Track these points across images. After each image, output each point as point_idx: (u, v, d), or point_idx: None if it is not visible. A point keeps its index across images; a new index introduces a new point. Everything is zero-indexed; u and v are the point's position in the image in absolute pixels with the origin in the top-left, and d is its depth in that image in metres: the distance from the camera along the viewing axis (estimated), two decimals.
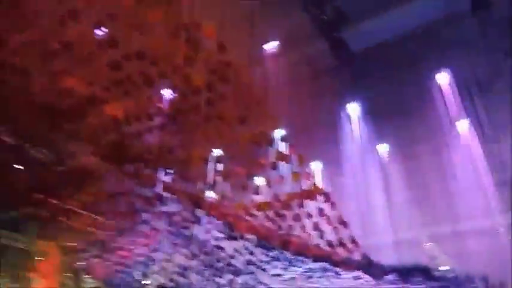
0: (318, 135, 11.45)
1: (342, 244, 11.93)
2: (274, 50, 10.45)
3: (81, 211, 11.33)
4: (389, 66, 12.31)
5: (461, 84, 13.38)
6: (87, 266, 14.99)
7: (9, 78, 7.79)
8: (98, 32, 7.50)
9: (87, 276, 17.01)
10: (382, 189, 13.77)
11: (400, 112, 12.47)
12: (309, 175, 10.29)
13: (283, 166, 9.72)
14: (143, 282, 15.97)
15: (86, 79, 7.91)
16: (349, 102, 13.38)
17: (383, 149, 13.77)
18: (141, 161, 9.53)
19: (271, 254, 13.27)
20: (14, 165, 10.04)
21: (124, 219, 11.71)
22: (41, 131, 8.88)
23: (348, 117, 13.06)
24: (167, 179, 9.75)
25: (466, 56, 12.38)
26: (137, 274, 15.35)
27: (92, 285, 17.47)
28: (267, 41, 10.61)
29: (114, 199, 10.83)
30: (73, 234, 12.43)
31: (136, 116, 8.81)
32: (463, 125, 13.84)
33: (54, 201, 10.96)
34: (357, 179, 13.10)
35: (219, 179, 9.85)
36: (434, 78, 13.52)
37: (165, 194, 10.21)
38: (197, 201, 10.56)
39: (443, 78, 13.70)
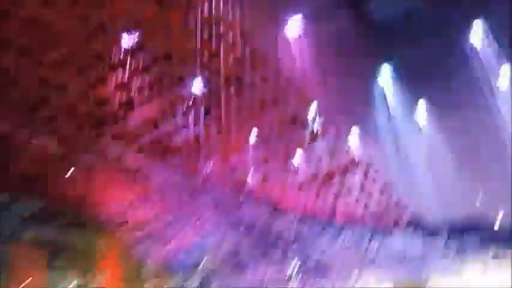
0: (353, 106, 11.24)
1: (389, 209, 11.97)
2: (299, 25, 10.17)
3: (135, 206, 11.97)
4: (419, 26, 11.71)
5: (500, 33, 12.52)
6: (146, 254, 15.90)
7: (51, 94, 8.27)
8: (125, 40, 7.72)
9: (147, 263, 18.08)
10: (425, 150, 13.46)
11: (436, 71, 11.93)
12: (348, 147, 10.28)
13: (320, 142, 9.76)
14: (199, 263, 16.76)
15: (119, 85, 8.25)
16: (381, 68, 12.94)
17: (421, 111, 13.35)
18: (182, 154, 9.92)
19: (319, 226, 13.52)
20: (68, 173, 10.70)
21: (175, 209, 12.26)
22: (87, 139, 9.40)
23: (382, 83, 12.67)
24: (210, 167, 10.08)
25: (504, 2, 11.52)
26: (193, 257, 16.11)
27: (153, 272, 18.59)
28: (291, 17, 10.30)
29: (164, 192, 11.35)
30: (131, 228, 13.18)
31: (172, 113, 9.12)
32: (505, 77, 13.05)
33: (110, 201, 11.65)
34: (397, 143, 12.84)
35: (259, 161, 10.07)
36: (469, 30, 12.69)
37: (210, 182, 10.60)
38: (241, 185, 10.89)
39: (479, 29, 12.84)
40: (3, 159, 9.68)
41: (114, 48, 7.59)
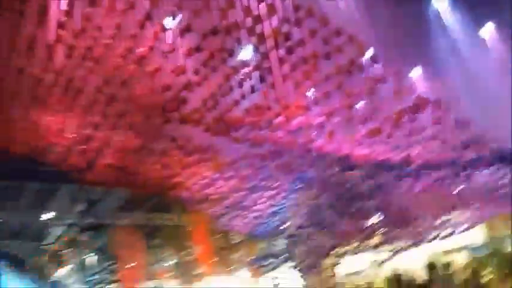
0: (411, 39, 10.42)
1: (468, 145, 11.34)
2: None
3: (213, 182, 12.65)
4: None
5: None
6: (230, 225, 16.81)
7: (117, 91, 8.90)
8: (171, 22, 7.94)
9: (233, 233, 19.14)
10: (497, 74, 12.29)
11: None
12: (412, 87, 9.78)
13: (382, 87, 9.38)
14: (282, 227, 17.36)
15: (176, 70, 8.58)
16: None
17: (486, 32, 12.07)
18: (245, 125, 10.18)
19: (394, 173, 13.23)
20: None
21: (250, 178, 12.75)
22: (157, 127, 10.03)
23: (438, 10, 11.63)
24: (275, 134, 10.25)
25: None
26: (274, 221, 16.73)
27: (238, 240, 19.66)
28: None
29: (236, 164, 11.84)
30: (212, 202, 14.00)
31: (229, 87, 9.32)
32: None
33: (188, 181, 12.44)
34: (465, 71, 11.83)
35: (323, 117, 10.00)
36: None
37: (278, 147, 10.82)
38: (309, 145, 10.95)
39: None
40: (93, 157, 10.76)
41: (163, 35, 7.86)
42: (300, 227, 16.69)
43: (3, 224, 17.03)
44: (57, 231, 18.40)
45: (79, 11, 7.29)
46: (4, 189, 14.72)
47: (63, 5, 7.16)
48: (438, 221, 16.52)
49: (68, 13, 7.23)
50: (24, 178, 14.08)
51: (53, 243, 18.93)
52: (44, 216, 16.97)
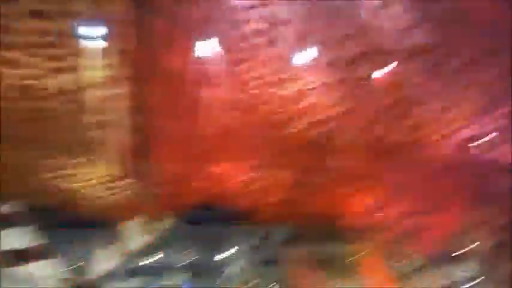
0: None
1: None
2: None
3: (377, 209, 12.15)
4: None
5: None
6: (407, 249, 15.54)
7: (273, 133, 9.48)
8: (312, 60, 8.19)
9: (411, 259, 17.62)
10: None
11: None
12: None
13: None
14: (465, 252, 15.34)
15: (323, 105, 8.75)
16: None
17: None
18: (406, 146, 9.63)
19: None
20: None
21: (419, 201, 11.81)
22: (315, 160, 10.30)
23: None
24: (441, 151, 9.39)
25: None
26: (456, 246, 14.89)
27: (418, 266, 17.96)
28: None
29: (402, 187, 11.21)
30: (381, 229, 13.27)
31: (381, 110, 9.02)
32: None
33: (353, 210, 12.27)
34: None
35: (492, 126, 8.77)
36: None
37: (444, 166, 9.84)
38: (479, 159, 9.66)
39: None
40: (259, 197, 11.65)
41: (306, 74, 8.19)
42: (489, 248, 14.54)
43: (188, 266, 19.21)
44: (234, 269, 19.92)
45: (227, 70, 8.17)
46: (185, 234, 16.88)
47: (216, 67, 8.13)
48: None
49: (220, 73, 8.18)
50: (201, 223, 16.00)
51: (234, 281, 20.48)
52: (220, 256, 18.70)
